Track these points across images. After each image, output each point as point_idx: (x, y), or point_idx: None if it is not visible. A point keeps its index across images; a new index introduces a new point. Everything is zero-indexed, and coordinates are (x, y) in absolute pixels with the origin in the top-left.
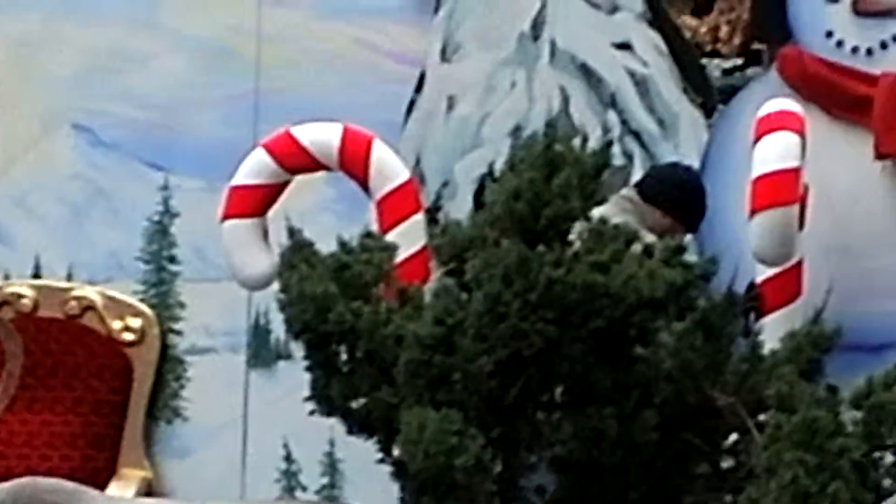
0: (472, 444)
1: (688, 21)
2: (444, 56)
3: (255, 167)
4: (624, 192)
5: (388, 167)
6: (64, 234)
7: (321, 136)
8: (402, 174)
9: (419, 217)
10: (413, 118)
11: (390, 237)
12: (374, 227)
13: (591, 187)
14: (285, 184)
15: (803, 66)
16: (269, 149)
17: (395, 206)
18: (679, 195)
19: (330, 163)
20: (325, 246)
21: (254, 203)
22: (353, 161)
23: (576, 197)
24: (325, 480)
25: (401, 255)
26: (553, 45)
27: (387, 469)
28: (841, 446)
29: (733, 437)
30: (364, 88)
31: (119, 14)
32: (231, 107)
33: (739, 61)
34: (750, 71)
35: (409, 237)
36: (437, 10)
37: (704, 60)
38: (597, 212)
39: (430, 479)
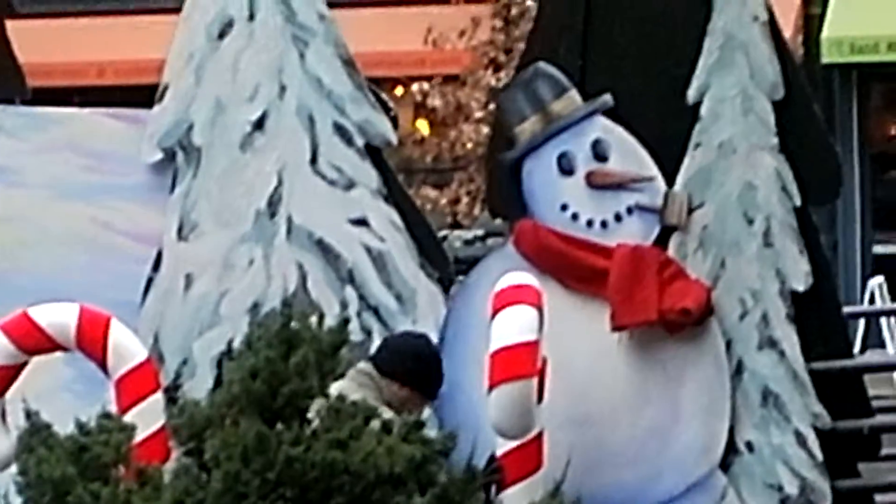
0: None
1: (428, 193)
2: (181, 234)
3: None
4: (361, 365)
5: (126, 347)
6: None
7: (58, 318)
8: (140, 354)
9: (157, 396)
10: (151, 297)
11: (129, 417)
12: (113, 408)
13: (329, 365)
14: (23, 365)
15: (539, 239)
16: (6, 330)
17: (134, 386)
18: (414, 366)
19: (67, 343)
20: (64, 427)
21: None
22: (91, 341)
23: (313, 375)
24: None
25: (140, 436)
26: (290, 221)
27: None
28: None
29: None
30: (101, 268)
31: None
32: None
33: (480, 232)
34: (491, 241)
35: (147, 417)
36: (173, 188)
37: (445, 232)
38: (335, 387)
39: None
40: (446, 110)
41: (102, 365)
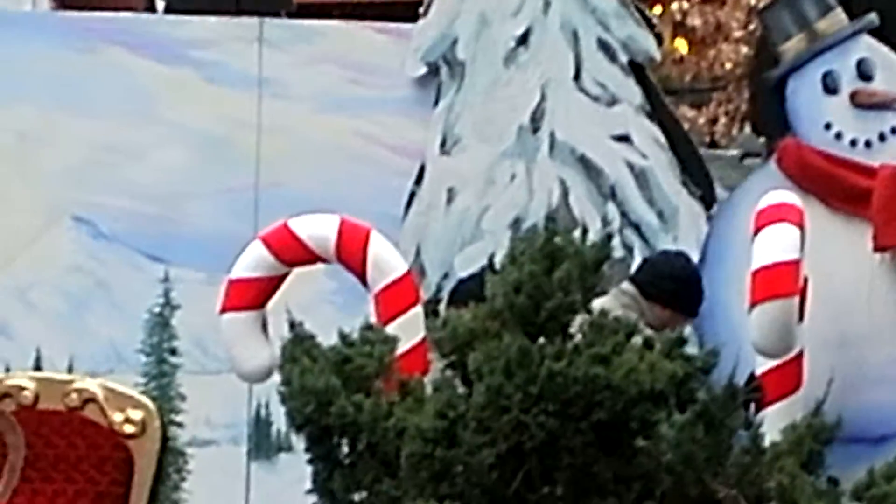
0: None
1: (686, 113)
2: (444, 148)
3: (252, 260)
4: (624, 286)
5: (386, 260)
6: (65, 327)
7: (318, 230)
8: (400, 267)
9: (418, 310)
10: (413, 211)
11: (388, 330)
12: (374, 320)
13: (592, 280)
14: (283, 276)
15: (802, 158)
16: (267, 242)
17: (393, 300)
18: (676, 287)
19: (327, 256)
20: (326, 338)
21: (252, 296)
22: (350, 254)
23: (576, 290)
24: None
25: (400, 348)
26: (552, 137)
27: None
28: None
29: None
30: (364, 181)
31: (116, 106)
32: (231, 199)
33: (737, 153)
34: (748, 162)
35: (407, 330)
36: (436, 102)
37: (702, 151)
38: (597, 303)
39: None
40: (705, 30)
41: (362, 278)
